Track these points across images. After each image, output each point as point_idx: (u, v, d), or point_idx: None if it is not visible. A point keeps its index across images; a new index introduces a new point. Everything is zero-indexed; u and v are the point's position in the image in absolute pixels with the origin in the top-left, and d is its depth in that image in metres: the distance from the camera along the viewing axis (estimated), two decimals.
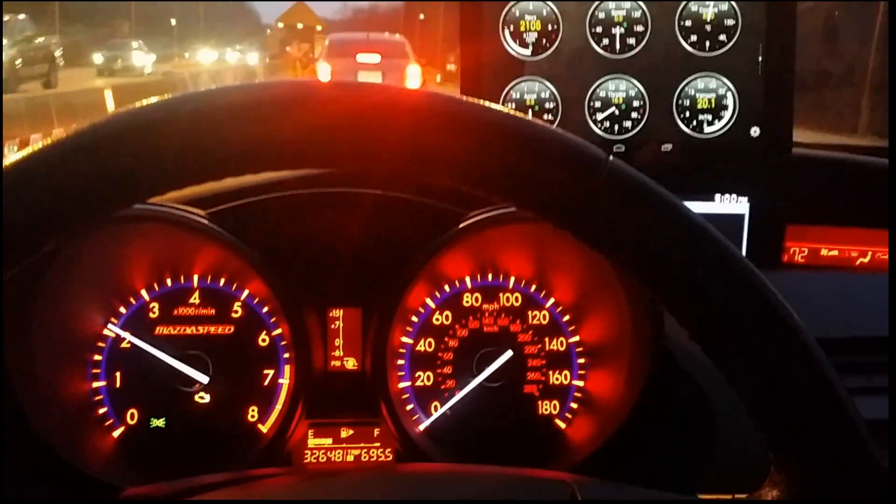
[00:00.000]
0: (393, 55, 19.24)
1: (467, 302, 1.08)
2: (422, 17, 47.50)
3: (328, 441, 1.08)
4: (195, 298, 1.06)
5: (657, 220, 0.54)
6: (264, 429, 1.05)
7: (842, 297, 1.14)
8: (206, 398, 1.05)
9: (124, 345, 1.04)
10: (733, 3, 1.22)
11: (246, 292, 1.06)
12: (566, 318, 1.08)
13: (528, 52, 1.23)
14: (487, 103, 0.55)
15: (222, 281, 1.06)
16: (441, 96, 0.55)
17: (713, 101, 1.23)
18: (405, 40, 21.97)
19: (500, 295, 1.08)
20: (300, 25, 44.02)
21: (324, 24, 47.94)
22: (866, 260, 1.31)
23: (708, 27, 1.23)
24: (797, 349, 0.54)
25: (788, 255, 1.34)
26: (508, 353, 1.07)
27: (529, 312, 1.08)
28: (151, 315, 1.05)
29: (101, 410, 1.04)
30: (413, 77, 18.24)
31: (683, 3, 1.22)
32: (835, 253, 1.32)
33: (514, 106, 1.22)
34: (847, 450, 0.54)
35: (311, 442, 1.08)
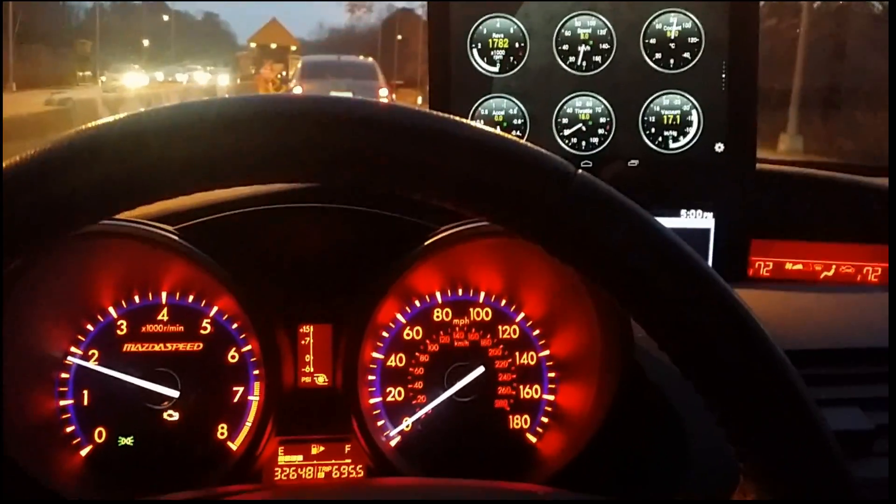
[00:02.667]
0: (363, 77, 20.30)
1: (438, 317, 1.07)
2: (399, 37, 46.17)
3: (299, 458, 1.06)
4: (163, 315, 1.04)
5: (627, 233, 0.54)
6: (234, 446, 1.03)
7: (807, 311, 1.14)
8: (175, 416, 1.03)
9: (92, 363, 1.02)
10: (697, 21, 1.22)
11: (215, 309, 1.04)
12: (536, 332, 1.08)
13: (495, 69, 1.23)
14: (456, 118, 0.54)
15: (191, 297, 1.04)
16: (410, 109, 0.54)
17: (678, 117, 1.24)
18: (374, 63, 23.03)
19: (471, 310, 1.07)
20: (274, 45, 42.36)
21: (298, 44, 45.98)
22: (830, 273, 1.32)
23: (672, 45, 1.23)
24: (765, 361, 0.54)
25: (754, 270, 1.34)
26: (480, 369, 1.05)
27: (500, 327, 1.07)
28: (119, 332, 1.03)
29: (69, 429, 1.02)
30: (383, 98, 17.97)
31: (648, 21, 1.23)
32: (799, 267, 1.33)
33: (482, 123, 1.21)
34: (815, 459, 0.54)
35: (282, 459, 1.06)
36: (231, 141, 0.52)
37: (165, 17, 63.58)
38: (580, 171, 0.54)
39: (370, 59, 24.41)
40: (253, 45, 44.35)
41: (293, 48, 42.06)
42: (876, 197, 1.37)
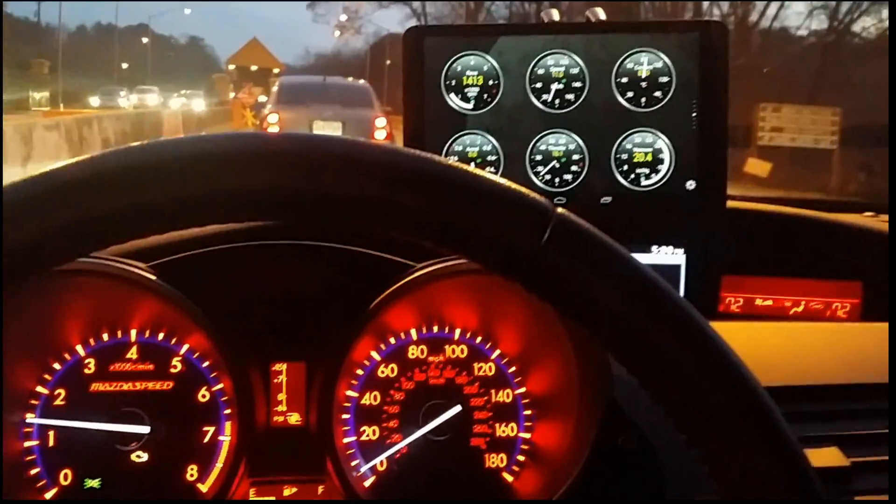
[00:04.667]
0: (356, 104, 15.69)
1: (413, 354, 1.04)
2: (388, 62, 42.47)
3: (271, 499, 1.03)
4: (133, 353, 1.00)
5: (604, 271, 0.53)
6: (204, 488, 0.99)
7: (778, 346, 1.13)
8: (144, 457, 0.99)
9: (58, 402, 0.98)
10: (667, 60, 1.21)
11: (186, 347, 1.00)
12: (512, 369, 1.05)
13: (469, 106, 1.21)
14: (432, 155, 0.54)
15: (161, 335, 1.00)
16: (386, 147, 0.54)
17: (650, 155, 1.23)
18: (368, 86, 18.13)
19: (446, 347, 1.05)
20: (254, 67, 37.91)
21: (282, 66, 40.54)
22: (800, 309, 1.31)
23: (643, 84, 1.22)
24: (747, 399, 0.53)
25: (724, 305, 1.33)
26: (456, 408, 1.02)
27: (475, 364, 1.05)
28: (87, 371, 0.99)
29: (33, 471, 0.98)
30: (380, 131, 14.86)
31: (619, 60, 1.22)
32: (769, 303, 1.32)
33: (456, 159, 1.20)
34: (799, 498, 0.53)
35: (253, 501, 1.02)
36: (195, 183, 0.51)
37: (145, 40, 63.16)
38: (559, 209, 0.53)
39: (363, 82, 19.18)
40: (232, 67, 40.13)
41: (276, 70, 37.32)
42: (845, 234, 1.37)
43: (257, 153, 0.52)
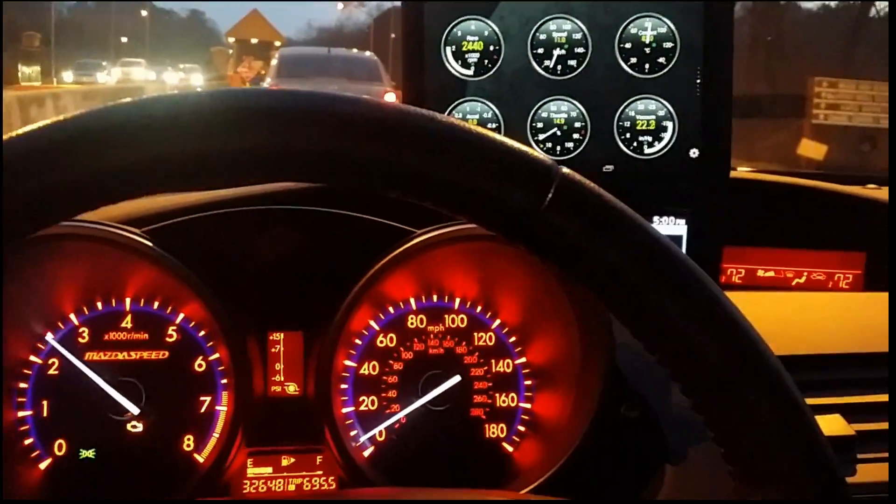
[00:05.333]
0: (362, 78, 14.78)
1: (412, 324, 1.02)
2: (393, 36, 39.85)
3: (268, 470, 1.01)
4: (127, 322, 0.98)
5: (610, 230, 0.51)
6: (201, 458, 0.98)
7: (781, 316, 1.11)
8: (139, 427, 0.97)
9: (52, 372, 0.96)
10: (672, 26, 1.18)
11: (181, 315, 0.98)
12: (512, 339, 1.03)
13: (470, 72, 1.18)
14: (433, 113, 0.51)
15: (156, 304, 0.98)
16: (387, 105, 0.51)
17: (653, 122, 1.20)
18: (377, 59, 17.17)
19: (446, 316, 1.03)
20: (255, 41, 35.37)
21: (283, 39, 37.85)
22: (802, 280, 1.29)
23: (647, 50, 1.19)
24: (756, 364, 0.51)
25: (726, 276, 1.31)
26: (456, 378, 1.00)
27: (475, 334, 1.03)
28: (81, 340, 0.97)
29: (28, 441, 0.96)
30: None
31: (623, 25, 1.19)
32: (771, 274, 1.30)
33: None
34: (807, 463, 0.52)
35: (251, 471, 1.00)
36: (187, 141, 0.48)
37: (144, 13, 62.51)
38: (563, 168, 0.52)
39: (370, 54, 18.00)
40: (232, 40, 37.06)
41: (277, 43, 33.47)
42: (847, 205, 1.35)
43: (250, 110, 0.49)
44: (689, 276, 0.52)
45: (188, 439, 0.98)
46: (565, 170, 0.52)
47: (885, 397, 0.98)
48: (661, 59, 1.19)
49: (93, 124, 0.48)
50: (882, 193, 1.45)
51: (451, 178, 0.51)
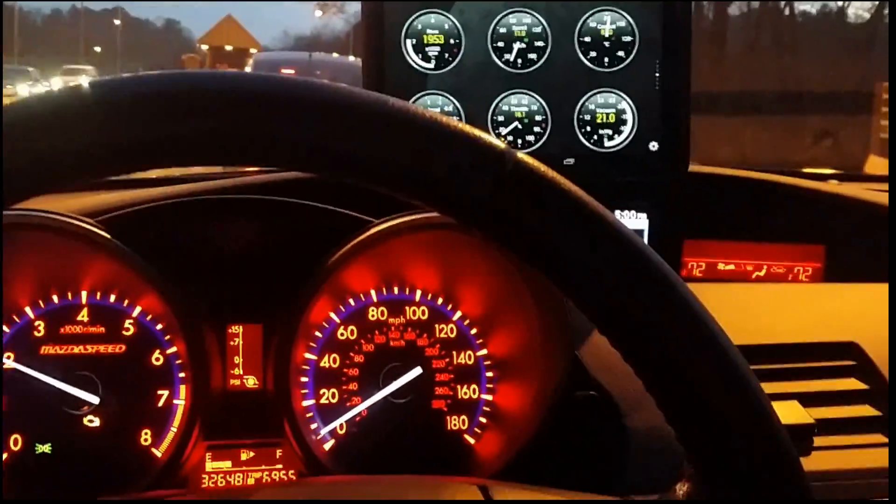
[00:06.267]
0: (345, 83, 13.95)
1: (373, 316, 1.01)
2: None
3: (227, 464, 0.99)
4: (84, 316, 0.95)
5: (564, 215, 0.50)
6: (158, 452, 0.95)
7: (742, 307, 1.10)
8: (96, 421, 0.95)
9: (7, 366, 0.93)
10: (630, 19, 1.18)
11: (139, 308, 0.96)
12: (474, 330, 1.02)
13: (430, 65, 1.17)
14: (385, 96, 0.50)
15: (113, 297, 0.96)
16: (342, 88, 0.50)
17: (613, 116, 1.20)
18: (360, 63, 15.42)
19: (407, 308, 1.01)
20: (229, 47, 33.17)
21: (259, 47, 35.34)
22: (762, 273, 1.29)
23: (606, 43, 1.19)
24: (715, 353, 0.51)
25: (686, 270, 1.31)
26: (417, 370, 0.99)
27: (436, 326, 1.02)
28: (36, 334, 0.94)
29: None
30: None
31: (582, 19, 1.18)
32: (731, 267, 1.30)
33: None
34: (762, 450, 0.51)
35: (209, 465, 0.98)
36: (118, 126, 0.47)
37: (117, 22, 61.89)
38: (518, 152, 0.51)
39: (354, 60, 16.60)
40: (205, 47, 34.67)
41: (253, 51, 31.24)
42: (807, 198, 1.35)
43: (193, 93, 0.48)
44: (645, 260, 0.51)
45: (145, 433, 0.96)
46: (520, 154, 0.51)
47: (845, 385, 0.98)
48: (621, 53, 1.18)
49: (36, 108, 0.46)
50: (842, 188, 1.46)
51: (404, 163, 0.49)
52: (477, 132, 0.51)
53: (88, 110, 0.46)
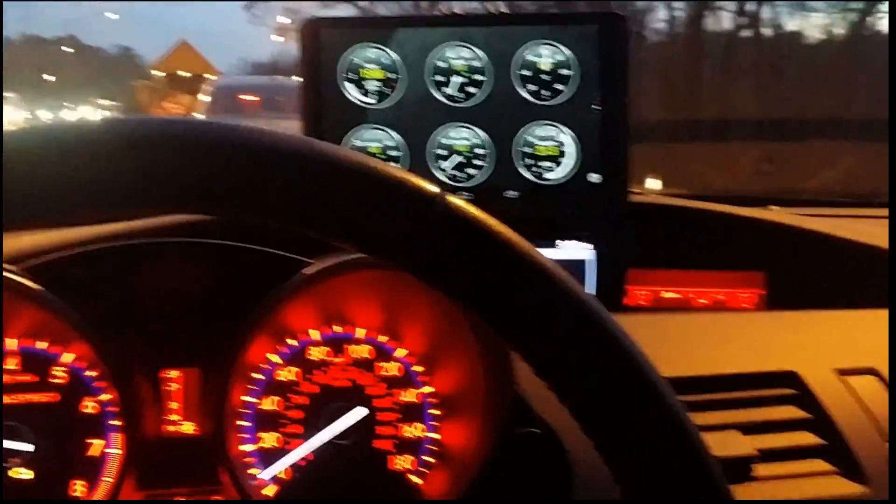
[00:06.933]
0: None
1: (314, 356, 0.98)
2: None
3: None
4: (13, 364, 0.91)
5: (494, 258, 0.50)
6: None
7: (683, 337, 1.10)
8: (27, 474, 0.91)
9: None
10: (568, 52, 1.18)
11: (70, 356, 0.92)
12: (418, 368, 1.00)
13: (369, 100, 1.16)
14: (310, 139, 0.49)
15: (44, 344, 0.92)
16: (263, 131, 0.49)
17: (554, 149, 1.19)
18: None
19: (349, 347, 0.99)
20: (185, 74, 30.23)
21: (217, 74, 30.13)
22: (706, 301, 1.28)
23: (545, 77, 1.19)
24: (645, 389, 0.50)
25: (630, 298, 1.30)
26: (361, 411, 0.96)
27: (379, 364, 0.99)
28: None
29: None
30: None
31: (520, 52, 1.17)
32: (675, 295, 1.29)
33: None
34: (695, 483, 0.50)
35: None
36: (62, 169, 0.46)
37: (70, 50, 60.94)
38: (446, 193, 0.50)
39: None
40: (161, 74, 31.70)
41: (211, 78, 25.40)
42: (748, 225, 1.36)
43: (120, 139, 0.46)
44: (568, 295, 0.50)
45: (79, 484, 0.92)
46: (450, 197, 0.50)
47: (786, 413, 0.98)
48: (559, 86, 1.18)
49: None
50: (780, 216, 1.46)
51: (332, 207, 0.48)
52: (406, 175, 0.50)
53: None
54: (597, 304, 0.51)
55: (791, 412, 0.98)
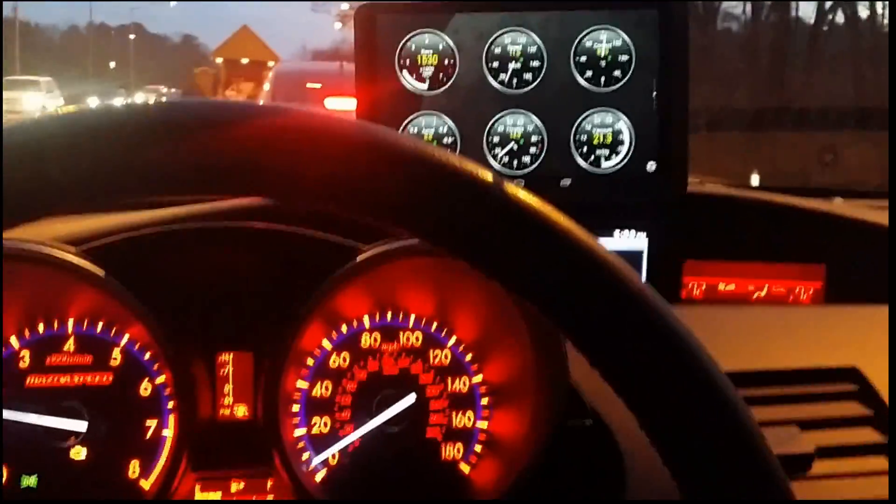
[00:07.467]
0: None
1: (366, 343, 0.98)
2: None
3: (217, 495, 0.95)
4: (70, 345, 0.92)
5: (552, 248, 0.49)
6: (146, 485, 0.92)
7: (742, 331, 1.07)
8: (83, 454, 0.91)
9: None
10: (627, 38, 1.15)
11: (126, 337, 0.93)
12: (469, 357, 0.99)
13: (424, 86, 1.15)
14: (373, 125, 0.48)
15: (100, 326, 0.93)
16: (326, 116, 0.48)
17: (609, 136, 1.17)
18: None
19: (400, 334, 0.98)
20: (245, 60, 29.65)
21: (278, 58, 30.28)
22: (763, 293, 1.26)
23: (602, 63, 1.16)
24: (705, 383, 0.49)
25: (687, 290, 1.28)
26: (411, 398, 0.95)
27: (431, 352, 0.98)
28: (22, 365, 0.92)
29: None
30: None
31: (578, 38, 1.15)
32: (732, 287, 1.26)
33: None
34: (755, 481, 0.49)
35: (199, 496, 0.95)
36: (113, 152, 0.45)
37: (132, 37, 62.17)
38: (503, 180, 0.49)
39: None
40: (219, 60, 30.81)
41: (271, 64, 26.62)
42: (807, 217, 1.32)
43: (191, 123, 0.46)
44: (628, 287, 0.49)
45: (133, 465, 0.93)
46: (507, 184, 0.49)
47: (846, 410, 0.95)
48: (617, 72, 1.15)
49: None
50: (843, 206, 1.42)
51: (389, 193, 0.48)
52: (463, 162, 0.49)
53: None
54: (657, 297, 0.50)
55: (852, 408, 0.96)
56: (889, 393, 0.96)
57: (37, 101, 25.17)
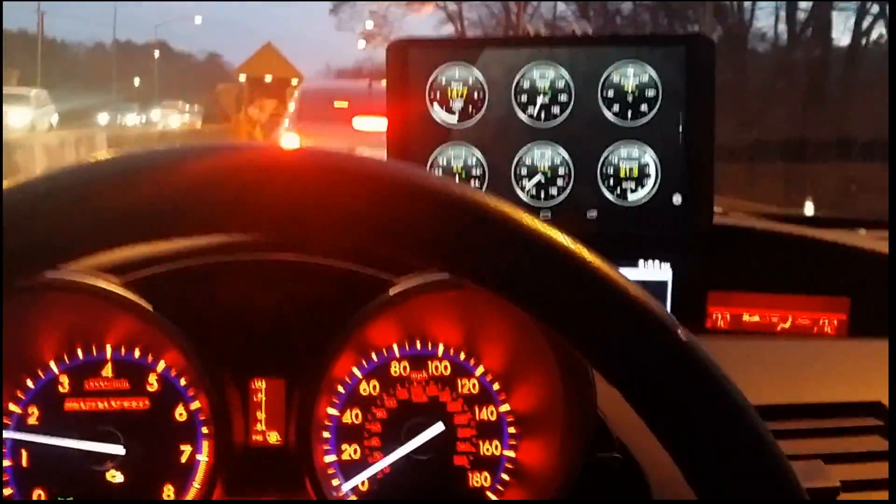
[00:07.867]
0: None
1: (395, 371, 0.99)
2: None
3: None
4: (108, 371, 0.94)
5: (580, 281, 0.50)
6: None
7: (765, 364, 1.07)
8: (119, 477, 0.93)
9: (31, 421, 0.92)
10: (653, 72, 1.16)
11: (162, 364, 0.95)
12: (496, 386, 1.00)
13: (454, 118, 1.16)
14: (414, 167, 0.51)
15: (137, 352, 0.95)
16: (365, 159, 0.50)
17: (636, 169, 1.18)
18: None
19: (429, 363, 0.99)
20: (268, 78, 28.94)
21: (302, 76, 29.32)
22: (787, 325, 1.26)
23: (629, 97, 1.17)
24: (736, 417, 0.50)
25: (711, 321, 1.28)
26: (439, 426, 0.96)
27: (459, 381, 0.99)
28: (61, 389, 0.93)
29: (6, 492, 0.91)
30: None
31: (606, 73, 1.16)
32: (756, 318, 1.27)
33: (440, 172, 1.14)
34: (770, 489, 0.50)
35: None
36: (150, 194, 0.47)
37: (157, 54, 62.67)
38: (539, 217, 0.51)
39: None
40: (242, 77, 30.20)
41: (294, 82, 25.00)
42: (832, 250, 1.32)
43: (231, 164, 0.48)
44: (660, 325, 0.50)
45: (168, 489, 0.94)
46: (545, 225, 0.51)
47: (870, 444, 0.95)
48: (644, 106, 1.17)
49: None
50: (867, 239, 1.43)
51: (429, 232, 0.49)
52: (497, 201, 0.50)
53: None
54: (684, 331, 0.51)
55: (876, 443, 0.96)
56: (889, 400, 0.97)
57: (24, 116, 22.95)
